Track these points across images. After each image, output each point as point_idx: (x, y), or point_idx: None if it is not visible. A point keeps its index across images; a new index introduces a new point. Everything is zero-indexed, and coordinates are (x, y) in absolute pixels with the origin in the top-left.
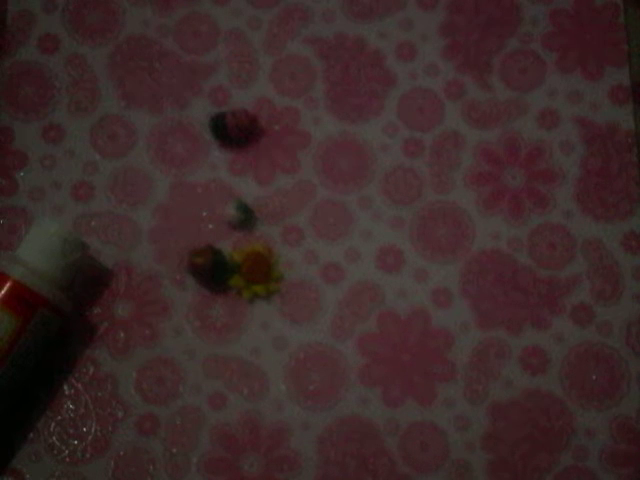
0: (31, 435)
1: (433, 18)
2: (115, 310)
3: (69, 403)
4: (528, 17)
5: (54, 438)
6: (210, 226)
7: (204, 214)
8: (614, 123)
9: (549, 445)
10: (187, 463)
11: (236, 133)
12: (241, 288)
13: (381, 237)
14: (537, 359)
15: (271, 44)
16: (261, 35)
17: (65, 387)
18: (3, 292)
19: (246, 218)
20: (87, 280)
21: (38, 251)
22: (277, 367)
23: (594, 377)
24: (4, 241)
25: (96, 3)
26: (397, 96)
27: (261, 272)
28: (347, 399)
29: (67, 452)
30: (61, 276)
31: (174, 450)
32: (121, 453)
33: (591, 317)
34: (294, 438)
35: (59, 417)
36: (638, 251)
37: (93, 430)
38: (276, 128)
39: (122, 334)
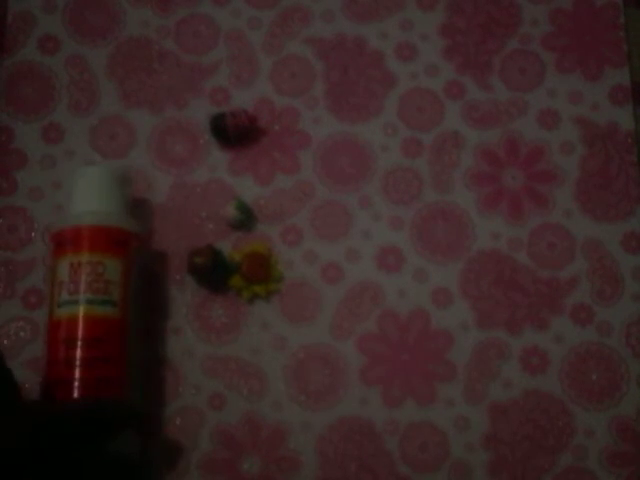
0: None
1: (433, 18)
2: None
3: None
4: (528, 17)
5: None
6: (210, 226)
7: (204, 214)
8: (614, 123)
9: (549, 445)
10: (187, 463)
11: (236, 133)
12: (241, 288)
13: (381, 237)
14: (537, 359)
15: (271, 44)
16: (261, 35)
17: None
18: (99, 240)
19: (246, 218)
20: None
21: (97, 195)
22: (277, 367)
23: (594, 377)
24: (3, 241)
25: (96, 3)
26: (397, 96)
27: (261, 272)
28: (347, 399)
29: None
30: (125, 207)
31: (174, 450)
32: None
33: (591, 317)
34: (294, 438)
35: None
36: (638, 251)
37: None
38: (276, 128)
39: None
